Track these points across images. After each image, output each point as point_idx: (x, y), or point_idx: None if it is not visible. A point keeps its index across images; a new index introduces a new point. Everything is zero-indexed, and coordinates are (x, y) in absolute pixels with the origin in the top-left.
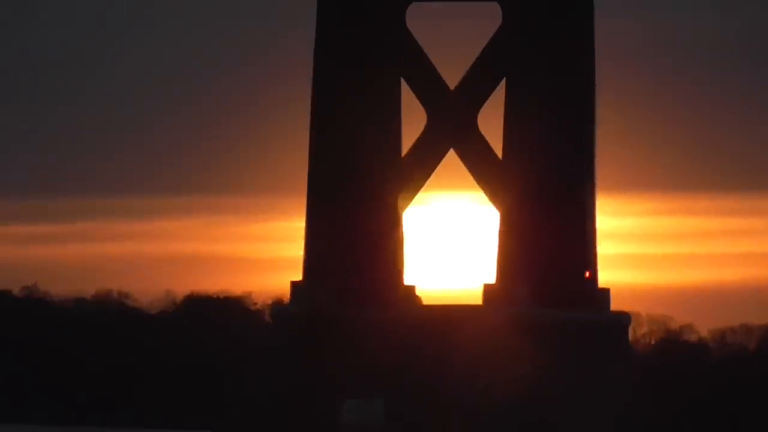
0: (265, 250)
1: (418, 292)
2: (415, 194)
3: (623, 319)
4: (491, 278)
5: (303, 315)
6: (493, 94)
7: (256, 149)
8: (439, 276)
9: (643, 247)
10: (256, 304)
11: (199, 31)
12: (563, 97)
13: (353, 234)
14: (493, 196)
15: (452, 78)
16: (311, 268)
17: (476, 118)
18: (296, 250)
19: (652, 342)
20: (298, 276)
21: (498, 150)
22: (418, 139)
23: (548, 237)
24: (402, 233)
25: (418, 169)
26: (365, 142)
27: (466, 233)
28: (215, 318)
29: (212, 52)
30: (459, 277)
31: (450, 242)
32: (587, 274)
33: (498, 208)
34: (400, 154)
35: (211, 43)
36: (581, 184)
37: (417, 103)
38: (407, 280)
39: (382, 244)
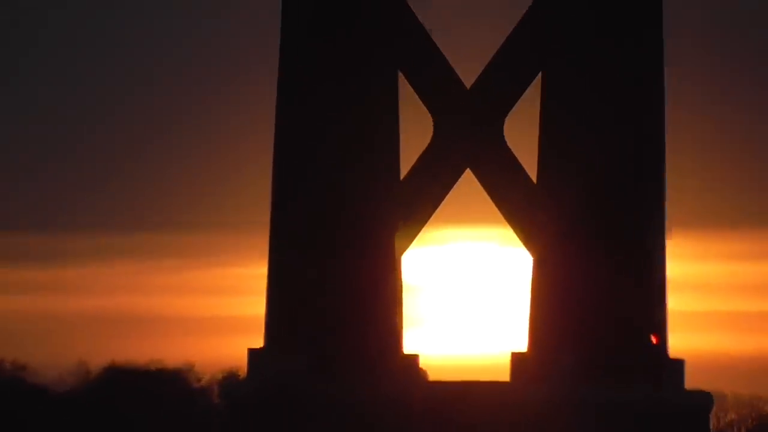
0: (213, 306)
1: (422, 364)
2: (418, 231)
3: (703, 400)
4: (521, 345)
5: (265, 394)
6: (524, 94)
7: (201, 171)
8: (450, 342)
9: (728, 302)
10: (200, 379)
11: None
12: (626, 101)
13: (334, 286)
14: (525, 233)
15: (469, 73)
16: (276, 332)
17: (502, 127)
18: (256, 306)
19: None
20: (259, 342)
21: (531, 171)
22: (423, 157)
23: (600, 289)
24: (400, 284)
25: (421, 198)
26: (348, 162)
27: (487, 284)
28: (144, 398)
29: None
30: (477, 344)
31: (465, 296)
32: (653, 339)
33: (531, 250)
34: (398, 177)
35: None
36: (646, 218)
37: (421, 106)
38: (407, 347)
39: (374, 299)
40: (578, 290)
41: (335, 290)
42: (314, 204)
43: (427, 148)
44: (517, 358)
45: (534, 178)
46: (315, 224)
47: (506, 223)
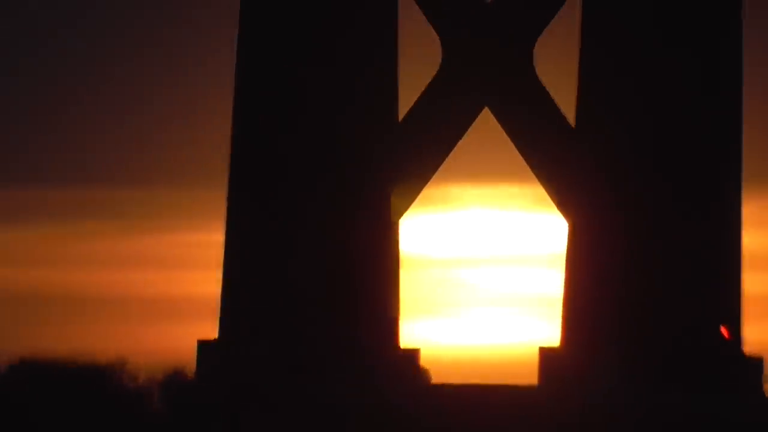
0: (155, 284)
1: (423, 361)
2: (421, 189)
3: None
4: (552, 338)
5: (219, 398)
6: (560, 10)
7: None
8: (460, 333)
9: None
10: (136, 378)
11: None
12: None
13: (311, 258)
14: (559, 192)
15: None
16: (235, 318)
17: (531, 53)
18: (211, 284)
19: None
20: (212, 331)
21: (569, 111)
22: (428, 91)
23: (656, 267)
24: (397, 258)
25: (425, 145)
26: (327, 99)
27: (509, 258)
28: (61, 402)
29: None
30: (495, 336)
31: (480, 274)
32: (725, 331)
33: (566, 214)
34: (395, 118)
35: None
36: (716, 176)
37: (425, 25)
38: (406, 339)
39: (362, 277)
40: (626, 267)
41: (312, 264)
42: (284, 152)
43: (433, 79)
44: (546, 354)
45: (572, 121)
46: (285, 179)
47: (535, 179)
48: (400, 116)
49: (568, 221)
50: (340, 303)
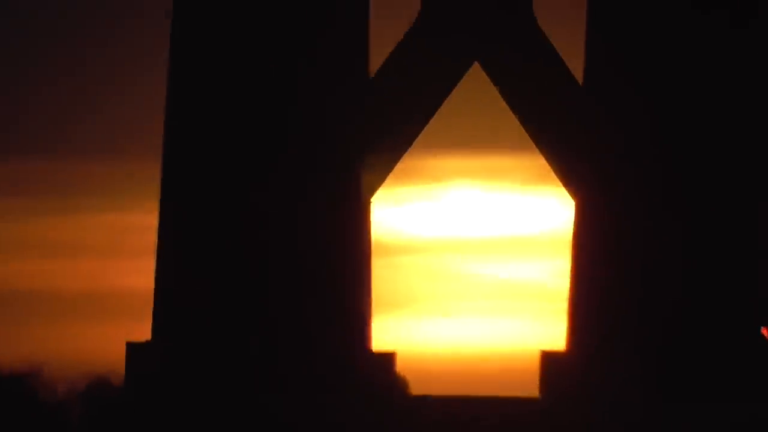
0: (76, 276)
1: (401, 367)
2: (397, 161)
3: None
4: (556, 340)
5: (150, 407)
6: None
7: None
8: (446, 334)
9: None
10: (53, 388)
11: None
12: None
13: (263, 243)
14: (564, 165)
15: None
16: (170, 316)
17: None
18: (143, 275)
19: None
20: (144, 332)
21: (577, 70)
22: (405, 42)
23: (681, 254)
24: (368, 242)
25: (402, 108)
26: (280, 48)
27: (504, 245)
28: None
29: None
30: (487, 337)
31: (470, 264)
32: (765, 331)
33: (573, 192)
34: (365, 75)
35: None
36: (748, 144)
37: None
38: (379, 341)
39: (326, 266)
40: (646, 256)
41: (263, 253)
42: (226, 115)
43: (411, 28)
44: (549, 360)
45: (579, 79)
46: (229, 147)
47: (535, 149)
48: (372, 71)
49: (575, 200)
50: (297, 298)
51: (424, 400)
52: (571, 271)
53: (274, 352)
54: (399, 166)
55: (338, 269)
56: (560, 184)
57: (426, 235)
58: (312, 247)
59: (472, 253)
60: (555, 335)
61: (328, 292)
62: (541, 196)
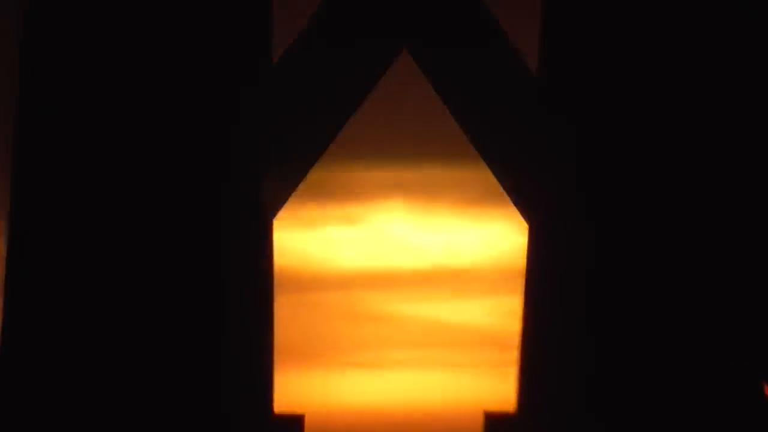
0: None
1: None
2: (306, 171)
3: None
4: (503, 397)
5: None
6: None
7: None
8: (367, 388)
9: None
10: None
11: None
12: None
13: (131, 281)
14: (515, 182)
15: None
16: (16, 356)
17: None
18: None
19: None
20: None
21: (530, 54)
22: (316, 19)
23: (661, 294)
24: (270, 274)
25: (312, 106)
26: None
27: (437, 276)
28: None
29: None
30: (419, 392)
31: (398, 300)
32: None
33: (526, 214)
34: (269, 60)
35: None
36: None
37: None
38: (282, 400)
39: (215, 303)
40: (614, 292)
41: (133, 289)
42: (94, 106)
43: (319, 5)
44: (494, 422)
45: (533, 69)
46: (88, 158)
47: (480, 160)
48: (275, 57)
49: (528, 223)
50: (174, 345)
51: None
52: (523, 312)
53: (140, 406)
54: (309, 178)
55: (231, 308)
56: (510, 202)
57: (342, 266)
58: (196, 280)
59: (401, 289)
60: (502, 392)
61: (220, 338)
62: (487, 219)
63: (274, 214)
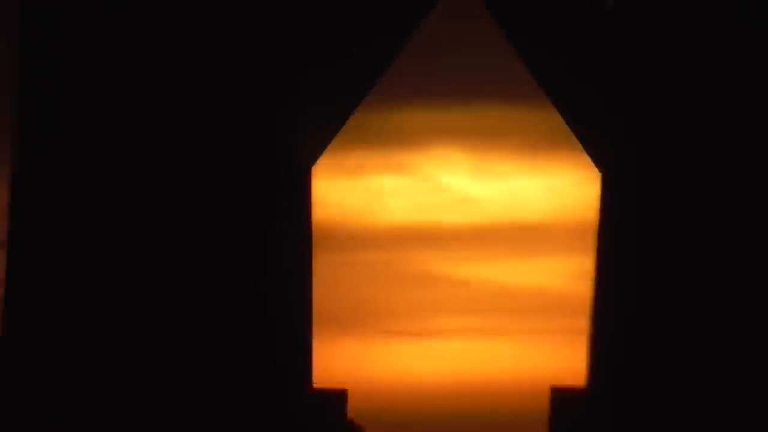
0: None
1: (355, 409)
2: (345, 117)
3: None
4: (571, 371)
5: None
6: None
7: None
8: (417, 360)
9: None
10: None
11: None
12: None
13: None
14: (586, 124)
15: None
16: (27, 337)
17: None
18: None
19: None
20: None
21: None
22: None
23: (753, 255)
24: (308, 233)
25: (353, 36)
26: None
27: (497, 233)
28: None
29: None
30: (476, 364)
31: (450, 260)
32: None
33: (598, 161)
34: None
35: None
36: None
37: None
38: (323, 374)
39: (243, 265)
40: (701, 253)
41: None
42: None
43: None
44: (562, 398)
45: None
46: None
47: (545, 100)
48: None
49: (601, 171)
50: (205, 310)
51: None
52: (595, 274)
53: (167, 384)
54: (351, 122)
55: (265, 268)
56: (581, 148)
57: (388, 220)
58: (225, 237)
59: (455, 247)
60: (571, 365)
61: (251, 301)
62: (554, 167)
63: (312, 161)
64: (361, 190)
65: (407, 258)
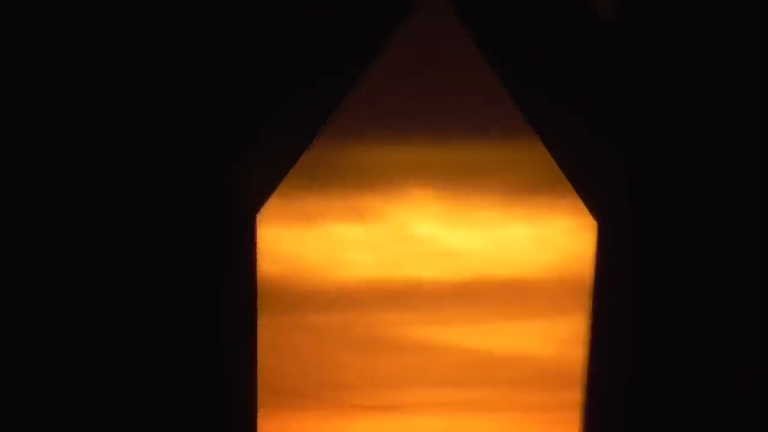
0: None
1: None
2: (299, 153)
3: None
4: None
5: None
6: None
7: None
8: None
9: None
10: None
11: None
12: None
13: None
14: (579, 166)
15: None
16: None
17: None
18: None
19: None
20: None
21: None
22: None
23: None
24: (251, 292)
25: (315, 56)
26: None
27: (485, 292)
28: None
29: None
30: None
31: (424, 327)
32: None
33: (594, 210)
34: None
35: None
36: None
37: None
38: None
39: (184, 333)
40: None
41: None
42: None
43: None
44: None
45: (603, 10)
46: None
47: (533, 136)
48: None
49: (597, 221)
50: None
51: None
52: (589, 339)
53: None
54: (306, 160)
55: (199, 333)
56: (574, 193)
57: (351, 278)
58: (157, 298)
59: (431, 309)
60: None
61: (186, 370)
62: (544, 214)
63: (257, 207)
64: (318, 240)
65: (373, 321)
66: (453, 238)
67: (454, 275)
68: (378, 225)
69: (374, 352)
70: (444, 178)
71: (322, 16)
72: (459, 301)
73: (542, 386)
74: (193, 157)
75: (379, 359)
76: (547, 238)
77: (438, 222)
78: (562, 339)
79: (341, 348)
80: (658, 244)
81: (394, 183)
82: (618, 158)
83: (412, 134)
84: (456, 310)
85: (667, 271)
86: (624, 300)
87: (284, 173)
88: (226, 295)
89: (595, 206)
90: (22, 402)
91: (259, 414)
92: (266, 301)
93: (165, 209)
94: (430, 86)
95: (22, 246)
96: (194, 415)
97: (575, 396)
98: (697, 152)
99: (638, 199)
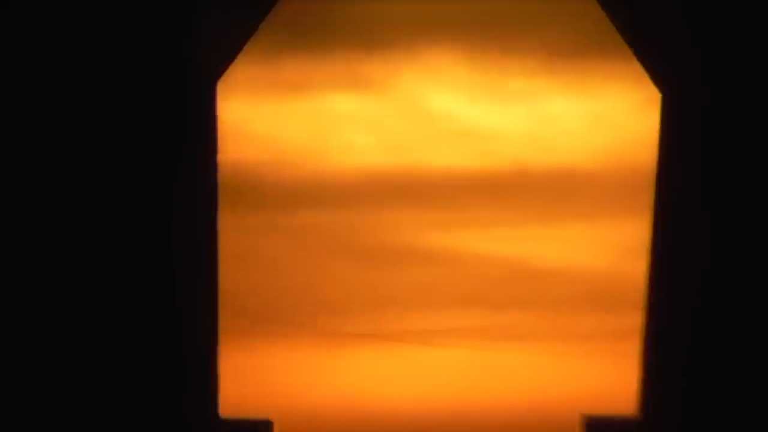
0: None
1: None
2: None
3: None
4: (613, 392)
5: None
6: None
7: None
8: (380, 374)
9: None
10: None
11: None
12: None
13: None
14: (643, 26)
15: None
16: None
17: None
18: None
19: None
20: None
21: None
22: None
23: None
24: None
25: None
26: None
27: (508, 185)
28: None
29: None
30: (476, 381)
31: (426, 231)
32: None
33: (660, 78)
34: None
35: None
36: None
37: None
38: (238, 400)
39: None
40: None
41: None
42: None
43: None
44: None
45: None
46: None
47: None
48: None
49: (661, 90)
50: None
51: None
52: (650, 252)
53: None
54: (289, 9)
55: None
56: (634, 59)
57: (347, 167)
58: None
59: (450, 207)
60: (612, 382)
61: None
62: (597, 84)
63: (217, 73)
64: (303, 117)
65: (375, 223)
66: (479, 115)
67: (481, 164)
68: (381, 97)
69: (376, 265)
70: (467, 35)
71: None
72: (486, 198)
73: (593, 307)
74: (141, 20)
75: (383, 274)
76: (602, 116)
77: (459, 93)
78: (621, 248)
79: (332, 258)
80: (736, 121)
81: (401, 42)
82: (688, 17)
83: None
84: (482, 210)
85: (743, 153)
86: (691, 195)
87: (253, 26)
88: (179, 185)
89: (659, 74)
90: None
91: (222, 343)
92: (235, 194)
93: (117, 82)
94: None
95: None
96: (139, 340)
97: (635, 320)
98: None
99: (712, 67)
